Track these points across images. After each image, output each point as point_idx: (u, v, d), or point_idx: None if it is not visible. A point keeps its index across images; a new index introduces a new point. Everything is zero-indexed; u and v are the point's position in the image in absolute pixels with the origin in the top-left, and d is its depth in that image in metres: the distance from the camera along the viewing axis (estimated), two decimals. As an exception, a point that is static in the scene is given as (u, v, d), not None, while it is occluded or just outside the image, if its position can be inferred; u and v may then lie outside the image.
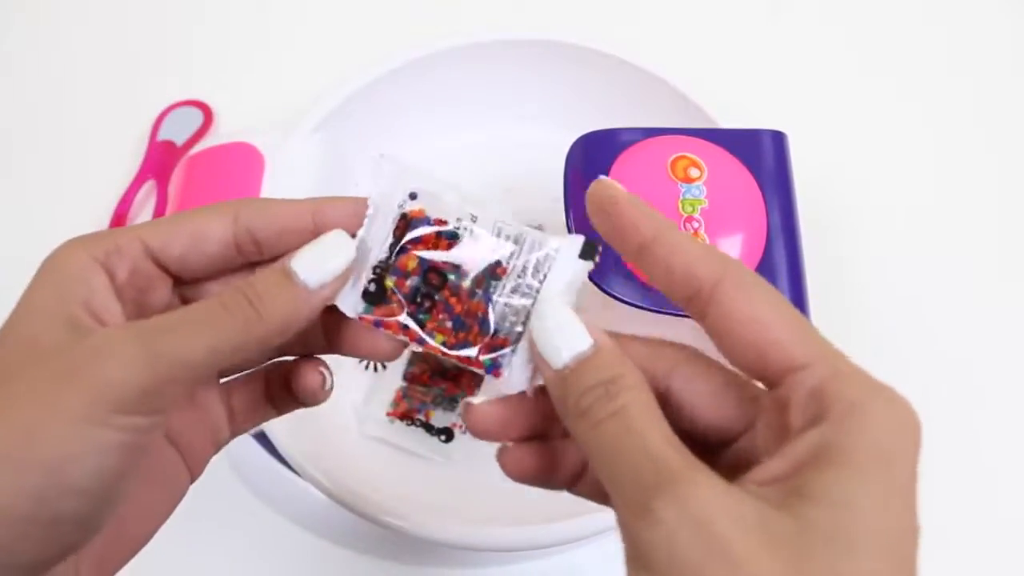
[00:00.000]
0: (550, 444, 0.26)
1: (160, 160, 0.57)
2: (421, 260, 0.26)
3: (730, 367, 0.24)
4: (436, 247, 0.26)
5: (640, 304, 0.39)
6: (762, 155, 0.43)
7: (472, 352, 0.26)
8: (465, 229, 0.26)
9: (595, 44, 0.51)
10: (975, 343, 0.51)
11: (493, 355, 0.25)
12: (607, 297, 0.39)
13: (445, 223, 0.26)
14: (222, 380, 0.29)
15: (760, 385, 0.23)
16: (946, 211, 0.55)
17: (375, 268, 0.26)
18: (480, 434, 0.26)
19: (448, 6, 0.63)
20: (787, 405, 0.22)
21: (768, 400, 0.23)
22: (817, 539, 0.19)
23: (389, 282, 0.26)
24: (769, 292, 0.23)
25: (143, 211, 0.55)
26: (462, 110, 0.54)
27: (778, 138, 0.44)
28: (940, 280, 0.53)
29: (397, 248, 0.26)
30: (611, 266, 0.39)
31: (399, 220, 0.26)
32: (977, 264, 0.53)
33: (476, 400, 0.26)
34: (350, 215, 0.26)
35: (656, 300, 0.39)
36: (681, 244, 0.24)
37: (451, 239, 0.26)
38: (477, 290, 0.26)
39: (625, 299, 0.39)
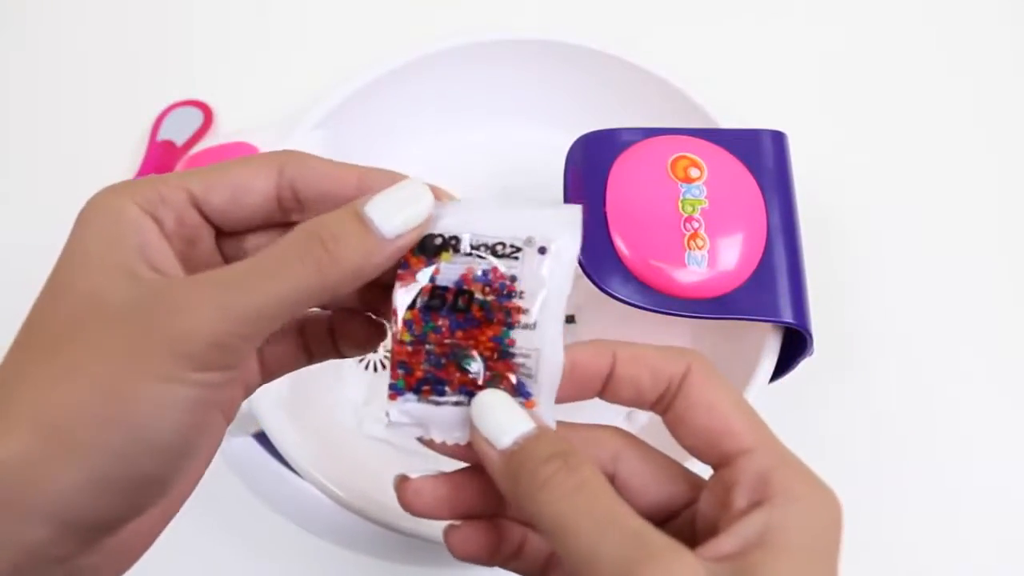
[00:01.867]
0: (497, 522, 0.26)
1: (160, 160, 0.57)
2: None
3: (661, 452, 0.26)
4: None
5: (640, 304, 0.39)
6: (762, 155, 0.43)
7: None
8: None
9: (595, 44, 0.51)
10: (975, 343, 0.51)
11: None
12: (607, 297, 0.39)
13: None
14: None
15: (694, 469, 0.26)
16: (946, 211, 0.55)
17: (454, 237, 0.25)
18: (417, 513, 0.26)
19: (448, 6, 0.63)
20: (733, 485, 0.23)
21: (712, 480, 0.25)
22: None
23: (447, 257, 0.25)
24: (724, 380, 0.25)
25: (143, 211, 0.55)
26: (462, 110, 0.54)
27: (778, 138, 0.44)
28: (940, 280, 0.53)
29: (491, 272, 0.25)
30: (611, 266, 0.39)
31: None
32: (978, 264, 0.53)
33: (413, 475, 0.26)
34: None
35: (656, 300, 0.39)
36: (642, 354, 0.25)
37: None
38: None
39: (625, 299, 0.39)
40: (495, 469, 0.24)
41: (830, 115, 0.59)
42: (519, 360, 0.25)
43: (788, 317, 0.39)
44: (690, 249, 0.39)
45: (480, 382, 0.25)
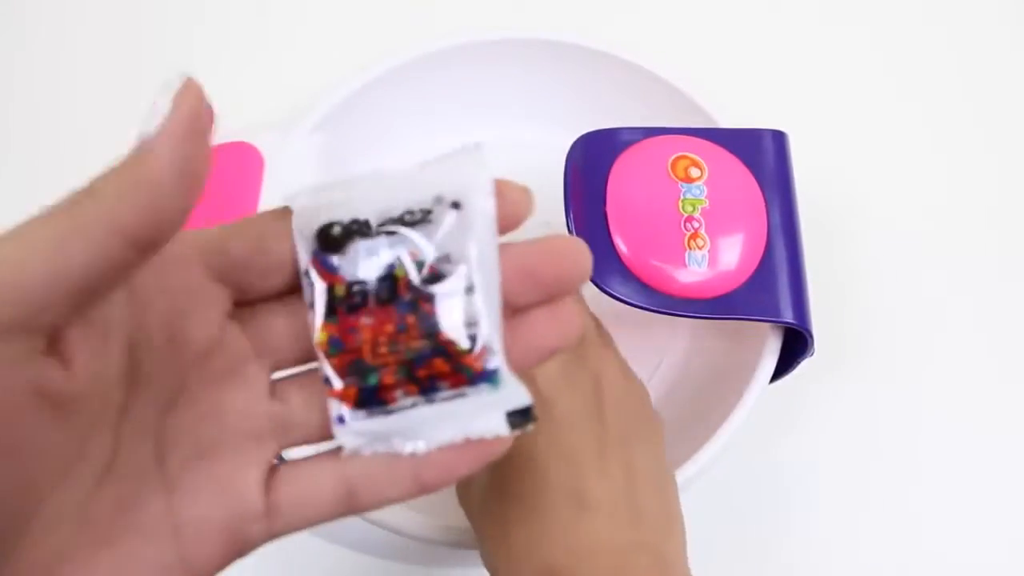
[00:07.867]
0: None
1: (160, 160, 0.57)
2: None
3: None
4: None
5: (640, 304, 0.39)
6: (762, 155, 0.43)
7: None
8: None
9: (594, 44, 0.51)
10: (976, 342, 0.51)
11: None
12: (607, 297, 0.39)
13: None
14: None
15: None
16: (947, 211, 0.55)
17: (354, 221, 0.22)
18: None
19: (448, 5, 0.63)
20: None
21: None
22: None
23: (354, 246, 0.22)
24: None
25: (143, 211, 0.55)
26: (462, 110, 0.54)
27: (778, 138, 0.44)
28: (941, 279, 0.53)
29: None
30: (611, 266, 0.39)
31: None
32: (978, 264, 0.53)
33: None
34: None
35: (656, 300, 0.39)
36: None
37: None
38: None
39: (625, 299, 0.39)
40: None
41: (830, 115, 0.59)
42: (463, 330, 0.22)
43: (789, 317, 0.39)
44: (690, 249, 0.39)
45: (428, 374, 0.22)
